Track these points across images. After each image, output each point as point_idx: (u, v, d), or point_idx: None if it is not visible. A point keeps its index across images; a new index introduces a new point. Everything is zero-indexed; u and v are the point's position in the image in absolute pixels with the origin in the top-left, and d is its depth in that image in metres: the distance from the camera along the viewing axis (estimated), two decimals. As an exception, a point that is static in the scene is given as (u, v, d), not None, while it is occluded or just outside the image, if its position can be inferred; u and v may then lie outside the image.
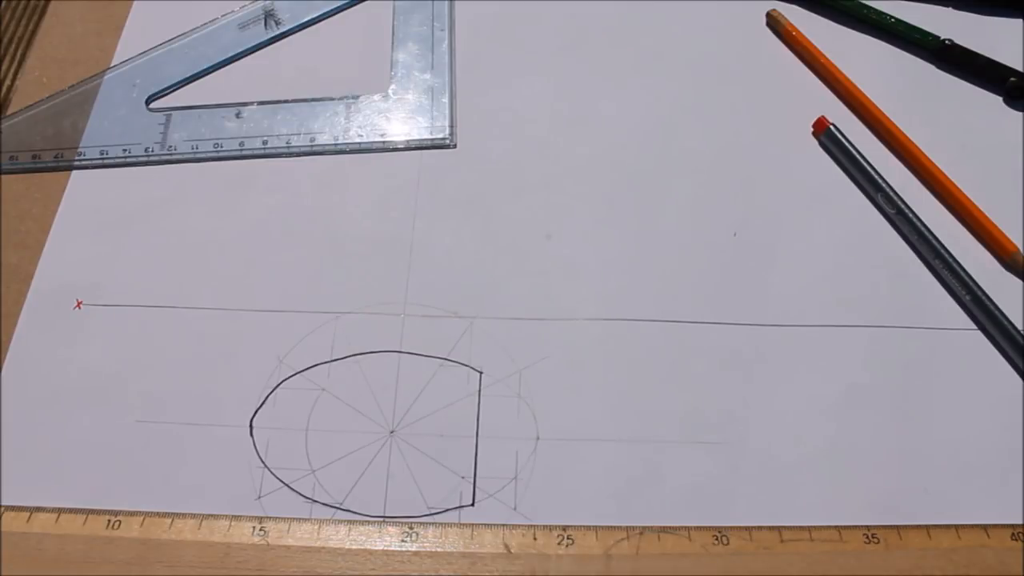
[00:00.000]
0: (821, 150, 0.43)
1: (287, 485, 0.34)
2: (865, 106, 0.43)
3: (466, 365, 0.37)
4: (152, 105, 0.45)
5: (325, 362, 0.37)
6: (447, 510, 0.34)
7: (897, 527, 0.33)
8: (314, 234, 0.40)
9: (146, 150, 0.43)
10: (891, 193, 0.40)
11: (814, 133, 0.43)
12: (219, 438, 0.35)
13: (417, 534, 0.33)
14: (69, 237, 0.40)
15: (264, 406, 0.36)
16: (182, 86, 0.45)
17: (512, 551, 0.33)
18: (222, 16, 0.48)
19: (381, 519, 0.34)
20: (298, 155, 0.43)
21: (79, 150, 0.43)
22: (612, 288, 0.39)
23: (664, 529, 0.33)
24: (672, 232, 0.40)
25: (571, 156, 0.42)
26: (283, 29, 0.47)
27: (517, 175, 0.42)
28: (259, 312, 0.38)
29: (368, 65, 0.46)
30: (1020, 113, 0.43)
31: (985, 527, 0.33)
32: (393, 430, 0.35)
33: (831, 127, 0.42)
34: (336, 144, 0.43)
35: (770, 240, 0.40)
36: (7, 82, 0.45)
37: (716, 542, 0.33)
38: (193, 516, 0.33)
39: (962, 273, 0.38)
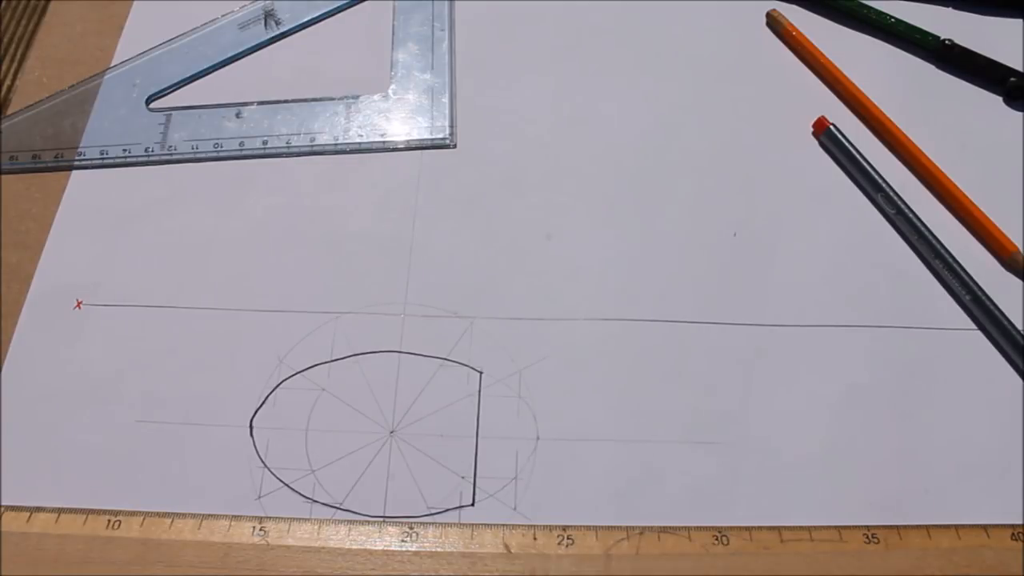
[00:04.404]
0: (821, 150, 0.43)
1: (287, 485, 0.34)
2: (865, 106, 0.43)
3: (466, 365, 0.37)
4: (152, 105, 0.45)
5: (325, 362, 0.37)
6: (447, 510, 0.34)
7: (897, 527, 0.33)
8: (314, 234, 0.40)
9: (146, 150, 0.43)
10: (891, 193, 0.40)
11: (814, 133, 0.43)
12: (219, 438, 0.35)
13: (417, 534, 0.33)
14: (69, 237, 0.40)
15: (264, 406, 0.36)
16: (182, 86, 0.45)
17: (512, 551, 0.33)
18: (222, 16, 0.48)
19: (381, 519, 0.34)
20: (298, 155, 0.43)
21: (79, 150, 0.43)
22: (612, 288, 0.39)
23: (664, 529, 0.33)
24: (672, 232, 0.40)
25: (571, 156, 0.42)
26: (283, 29, 0.47)
27: (517, 175, 0.42)
28: (259, 312, 0.38)
29: (368, 65, 0.46)
30: (1020, 113, 0.43)
31: (985, 527, 0.33)
32: (393, 430, 0.35)
33: (831, 127, 0.42)
34: (336, 144, 0.43)
35: (770, 240, 0.40)
36: (7, 82, 0.45)
37: (716, 542, 0.33)
38: (193, 516, 0.33)
39: (962, 273, 0.38)
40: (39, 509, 0.34)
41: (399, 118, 0.44)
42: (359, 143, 0.43)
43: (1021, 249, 0.39)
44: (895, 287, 0.39)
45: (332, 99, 0.45)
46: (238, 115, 0.44)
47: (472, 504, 0.34)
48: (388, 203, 0.41)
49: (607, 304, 0.38)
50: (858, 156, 0.41)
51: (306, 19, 0.47)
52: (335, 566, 0.32)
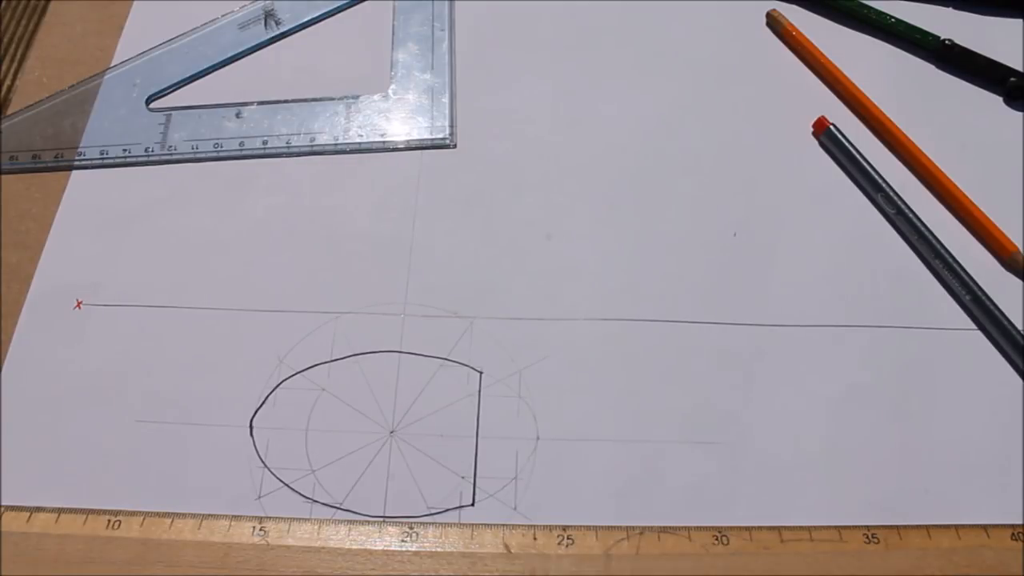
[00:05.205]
0: (821, 150, 0.43)
1: (287, 485, 0.34)
2: (865, 106, 0.43)
3: (466, 365, 0.37)
4: (152, 105, 0.45)
5: (325, 362, 0.37)
6: (447, 510, 0.34)
7: (897, 527, 0.33)
8: (314, 234, 0.40)
9: (146, 150, 0.43)
10: (891, 193, 0.40)
11: (814, 133, 0.43)
12: (219, 438, 0.35)
13: (417, 534, 0.33)
14: (69, 237, 0.40)
15: (264, 406, 0.36)
16: (182, 86, 0.45)
17: (512, 551, 0.33)
18: (222, 16, 0.48)
19: (381, 519, 0.34)
20: (298, 155, 0.43)
21: (79, 150, 0.43)
22: (612, 288, 0.39)
23: (664, 529, 0.33)
24: (672, 232, 0.40)
25: (571, 156, 0.43)
26: (283, 29, 0.47)
27: (517, 175, 0.42)
28: (259, 312, 0.38)
29: (368, 65, 0.46)
30: (1020, 113, 0.43)
31: (985, 527, 0.33)
32: (393, 430, 0.35)
33: (831, 127, 0.42)
34: (336, 144, 0.43)
35: (770, 240, 0.40)
36: (7, 82, 0.45)
37: (716, 542, 0.33)
38: (193, 516, 0.33)
39: (962, 273, 0.38)
40: (39, 509, 0.34)
41: (399, 118, 0.44)
42: (359, 143, 0.43)
43: (1021, 249, 0.39)
44: (895, 287, 0.39)
45: (332, 99, 0.45)
46: (238, 115, 0.44)
47: (472, 504, 0.34)
48: (388, 203, 0.41)
49: (607, 304, 0.38)
50: (858, 156, 0.41)
51: (306, 19, 0.47)
52: (335, 566, 0.32)
